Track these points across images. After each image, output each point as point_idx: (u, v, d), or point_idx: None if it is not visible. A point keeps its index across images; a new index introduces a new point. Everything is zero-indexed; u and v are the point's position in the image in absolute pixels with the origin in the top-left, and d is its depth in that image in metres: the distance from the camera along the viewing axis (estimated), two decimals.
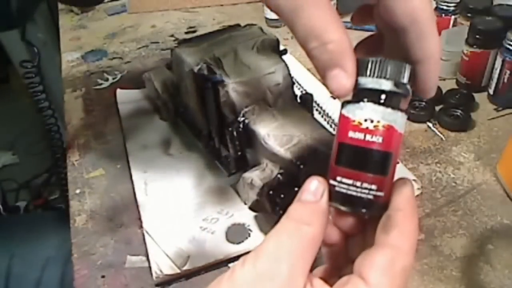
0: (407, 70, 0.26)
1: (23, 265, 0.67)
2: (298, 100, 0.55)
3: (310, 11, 0.26)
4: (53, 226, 0.75)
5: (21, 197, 1.69)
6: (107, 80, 0.82)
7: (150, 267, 0.49)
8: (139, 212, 0.55)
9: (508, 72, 0.66)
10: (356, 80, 0.26)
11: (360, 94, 0.26)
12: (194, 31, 0.97)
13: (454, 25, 0.78)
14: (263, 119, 0.51)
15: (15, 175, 1.77)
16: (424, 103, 0.68)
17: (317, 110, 0.68)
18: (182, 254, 0.49)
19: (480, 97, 0.71)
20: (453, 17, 0.77)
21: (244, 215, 0.53)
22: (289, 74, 0.53)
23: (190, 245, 0.51)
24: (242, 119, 0.51)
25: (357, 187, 0.26)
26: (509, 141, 0.56)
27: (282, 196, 0.46)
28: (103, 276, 0.49)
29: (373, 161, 0.26)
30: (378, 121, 0.25)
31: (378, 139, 0.25)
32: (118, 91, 0.77)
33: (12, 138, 1.97)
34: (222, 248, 0.50)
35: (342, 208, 0.27)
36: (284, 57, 0.56)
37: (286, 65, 0.54)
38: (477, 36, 0.68)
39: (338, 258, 0.31)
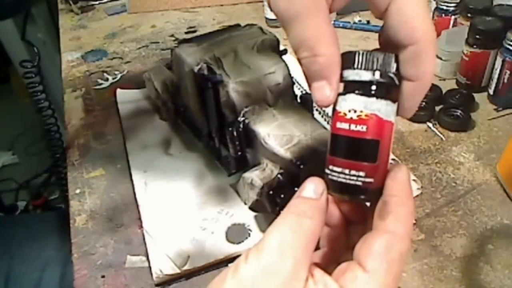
0: (393, 60, 0.27)
1: (23, 266, 0.67)
2: (298, 100, 0.55)
3: (307, 21, 0.27)
4: (53, 226, 0.75)
5: (21, 197, 1.69)
6: (107, 80, 0.82)
7: (150, 267, 0.49)
8: (139, 212, 0.55)
9: (508, 72, 0.66)
10: (342, 74, 0.27)
11: (345, 87, 0.28)
12: (194, 31, 0.97)
13: (454, 25, 0.78)
14: (263, 119, 0.51)
15: (15, 175, 1.77)
16: (424, 103, 0.68)
17: (317, 110, 0.68)
18: (182, 254, 0.49)
19: (480, 97, 0.71)
20: (453, 17, 0.77)
21: (244, 215, 0.53)
22: (289, 74, 0.53)
23: (190, 245, 0.51)
24: (242, 119, 0.51)
25: (347, 174, 0.27)
26: (509, 141, 0.56)
27: (282, 196, 0.46)
28: (103, 276, 0.49)
29: (359, 149, 0.27)
30: (361, 111, 0.27)
31: (362, 127, 0.26)
32: (118, 91, 0.77)
33: (12, 138, 1.97)
34: (222, 248, 0.50)
35: (336, 195, 0.28)
36: (284, 57, 0.56)
37: (286, 65, 0.54)
38: (477, 36, 0.68)
39: (337, 243, 0.31)
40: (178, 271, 0.48)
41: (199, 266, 0.48)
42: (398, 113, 0.28)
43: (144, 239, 0.52)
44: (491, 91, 0.70)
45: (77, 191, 0.60)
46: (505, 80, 0.67)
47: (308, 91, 0.72)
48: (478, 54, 0.69)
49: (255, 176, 0.48)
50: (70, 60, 0.90)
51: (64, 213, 0.61)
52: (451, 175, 0.59)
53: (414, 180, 0.56)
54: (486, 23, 0.68)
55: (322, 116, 0.68)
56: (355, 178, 0.27)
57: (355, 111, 0.27)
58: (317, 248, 0.30)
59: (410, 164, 0.60)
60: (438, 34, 0.77)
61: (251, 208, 0.50)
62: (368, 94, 0.27)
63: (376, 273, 0.25)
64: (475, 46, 0.69)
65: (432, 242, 0.51)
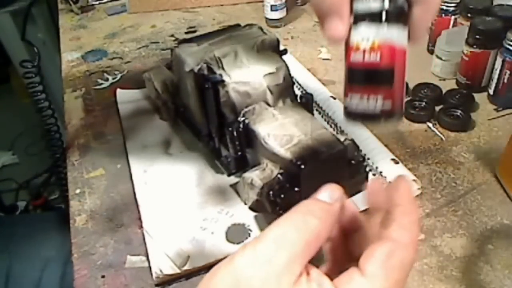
0: None
1: (23, 265, 0.67)
2: (298, 100, 0.55)
3: None
4: (53, 226, 0.75)
5: (21, 197, 1.69)
6: (107, 80, 0.82)
7: (150, 267, 0.49)
8: (139, 212, 0.55)
9: (508, 72, 0.66)
10: (352, 7, 0.29)
11: (356, 19, 0.29)
12: (194, 31, 0.97)
13: (454, 25, 0.78)
14: (263, 119, 0.51)
15: (15, 175, 1.76)
16: (424, 103, 0.68)
17: (317, 110, 0.68)
18: (182, 254, 0.49)
19: (480, 97, 0.71)
20: (453, 17, 0.77)
21: (244, 215, 0.53)
22: (289, 74, 0.53)
23: (190, 245, 0.51)
24: (242, 119, 0.51)
25: (365, 100, 0.29)
26: (509, 141, 0.56)
27: (282, 196, 0.46)
28: (103, 276, 0.49)
29: (375, 76, 0.28)
30: (374, 39, 0.28)
31: (376, 56, 0.28)
32: (118, 91, 0.77)
33: (12, 138, 1.97)
34: (222, 248, 0.50)
35: (356, 122, 0.30)
36: (284, 57, 0.56)
37: (286, 65, 0.54)
38: (477, 36, 0.68)
39: (338, 254, 0.31)
40: (178, 271, 0.48)
41: (199, 266, 0.48)
42: (410, 39, 0.30)
43: (144, 239, 0.52)
44: (491, 91, 0.70)
45: (77, 191, 0.60)
46: (505, 80, 0.67)
47: (308, 91, 0.72)
48: (478, 54, 0.69)
49: (255, 176, 0.48)
50: (70, 60, 0.90)
51: (64, 213, 0.61)
52: (451, 175, 0.59)
53: (414, 180, 0.56)
54: (486, 23, 0.68)
55: (322, 116, 0.68)
56: (373, 103, 0.28)
57: (367, 40, 0.28)
58: (321, 260, 0.30)
59: (410, 164, 0.60)
60: (438, 34, 0.77)
61: (251, 208, 0.51)
62: (379, 21, 0.28)
63: (373, 278, 0.24)
64: (475, 46, 0.69)
65: (432, 242, 0.51)
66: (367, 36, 0.28)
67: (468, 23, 0.70)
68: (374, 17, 0.28)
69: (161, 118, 0.70)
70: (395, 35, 0.28)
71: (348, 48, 0.29)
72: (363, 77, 0.29)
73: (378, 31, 0.28)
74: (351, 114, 0.30)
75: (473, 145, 0.63)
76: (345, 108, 0.30)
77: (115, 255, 0.51)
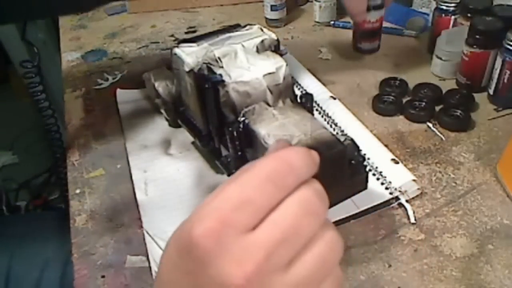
0: None
1: (23, 265, 0.67)
2: (298, 100, 0.55)
3: None
4: (53, 226, 0.74)
5: (21, 197, 1.69)
6: (107, 80, 0.82)
7: (150, 267, 0.49)
8: (139, 212, 0.55)
9: (508, 72, 0.66)
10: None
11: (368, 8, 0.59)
12: (194, 31, 0.97)
13: (454, 25, 0.78)
14: (263, 119, 0.51)
15: (15, 175, 1.77)
16: (424, 103, 0.68)
17: (317, 110, 0.68)
18: None
19: (480, 97, 0.71)
20: (453, 17, 0.77)
21: None
22: (289, 74, 0.53)
23: None
24: (242, 119, 0.51)
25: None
26: (509, 141, 0.56)
27: None
28: (103, 276, 0.49)
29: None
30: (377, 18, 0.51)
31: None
32: (118, 91, 0.77)
33: (12, 138, 1.97)
34: None
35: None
36: (284, 57, 0.56)
37: (286, 65, 0.53)
38: (477, 36, 0.68)
39: None
40: None
41: None
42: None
43: (144, 239, 0.52)
44: (491, 91, 0.70)
45: (77, 191, 0.60)
46: (505, 80, 0.67)
47: (308, 91, 0.72)
48: (478, 54, 0.69)
49: None
50: (70, 60, 0.90)
51: (64, 213, 0.61)
52: (451, 175, 0.59)
53: (414, 180, 0.56)
54: (486, 23, 0.68)
55: (322, 116, 0.68)
56: None
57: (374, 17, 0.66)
58: None
59: (410, 164, 0.60)
60: (438, 34, 0.77)
61: None
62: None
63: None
64: (475, 46, 0.69)
65: (432, 242, 0.51)
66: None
67: (468, 23, 0.70)
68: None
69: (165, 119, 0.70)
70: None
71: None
72: None
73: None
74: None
75: (473, 145, 0.63)
76: None
77: (115, 255, 0.51)
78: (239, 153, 0.53)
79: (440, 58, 0.76)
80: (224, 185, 0.26)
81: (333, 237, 0.26)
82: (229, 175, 0.56)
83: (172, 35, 0.96)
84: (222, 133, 0.54)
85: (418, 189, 0.56)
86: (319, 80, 0.76)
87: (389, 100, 0.70)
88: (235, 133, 0.51)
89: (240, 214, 0.24)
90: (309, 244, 0.25)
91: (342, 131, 0.64)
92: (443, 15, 0.78)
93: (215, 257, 0.23)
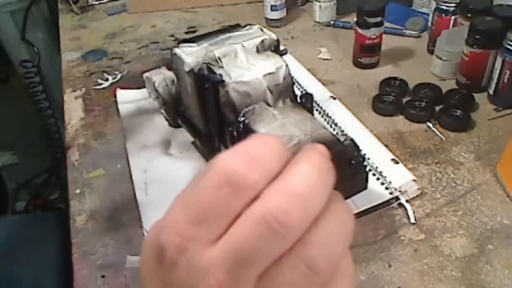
0: None
1: (23, 265, 0.67)
2: (298, 100, 0.55)
3: None
4: (53, 226, 0.75)
5: (21, 197, 1.69)
6: (107, 80, 0.82)
7: None
8: (139, 212, 0.55)
9: (508, 72, 0.66)
10: None
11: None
12: (194, 31, 0.97)
13: (454, 25, 0.78)
14: (263, 119, 0.51)
15: (15, 175, 1.76)
16: (424, 103, 0.68)
17: (317, 110, 0.68)
18: None
19: (480, 97, 0.71)
20: (453, 17, 0.77)
21: None
22: (289, 74, 0.53)
23: None
24: (242, 119, 0.51)
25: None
26: (509, 141, 0.56)
27: None
28: (103, 276, 0.49)
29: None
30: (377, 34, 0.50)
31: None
32: (118, 91, 0.77)
33: (12, 138, 1.96)
34: None
35: None
36: (284, 57, 0.56)
37: (286, 65, 0.53)
38: (477, 36, 0.68)
39: None
40: None
41: None
42: None
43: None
44: (491, 91, 0.70)
45: (77, 191, 0.60)
46: (505, 80, 0.67)
47: (308, 91, 0.72)
48: (478, 54, 0.69)
49: None
50: (70, 60, 0.90)
51: (64, 213, 0.61)
52: (451, 175, 0.59)
53: (414, 180, 0.56)
54: (486, 23, 0.68)
55: (322, 116, 0.68)
56: None
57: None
58: None
59: (410, 164, 0.60)
60: (438, 34, 0.77)
61: None
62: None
63: None
64: (475, 46, 0.69)
65: (432, 242, 0.51)
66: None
67: (468, 23, 0.70)
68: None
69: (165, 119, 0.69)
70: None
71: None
72: None
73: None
74: None
75: (473, 145, 0.63)
76: None
77: (115, 255, 0.51)
78: None
79: (440, 58, 0.76)
80: (183, 192, 0.24)
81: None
82: None
83: (172, 35, 0.96)
84: (222, 133, 0.54)
85: (418, 189, 0.56)
86: (319, 80, 0.76)
87: (389, 100, 0.70)
88: (235, 133, 0.51)
89: (199, 228, 0.22)
90: (278, 262, 0.21)
91: (342, 131, 0.64)
92: (443, 15, 0.78)
93: (181, 269, 0.23)
